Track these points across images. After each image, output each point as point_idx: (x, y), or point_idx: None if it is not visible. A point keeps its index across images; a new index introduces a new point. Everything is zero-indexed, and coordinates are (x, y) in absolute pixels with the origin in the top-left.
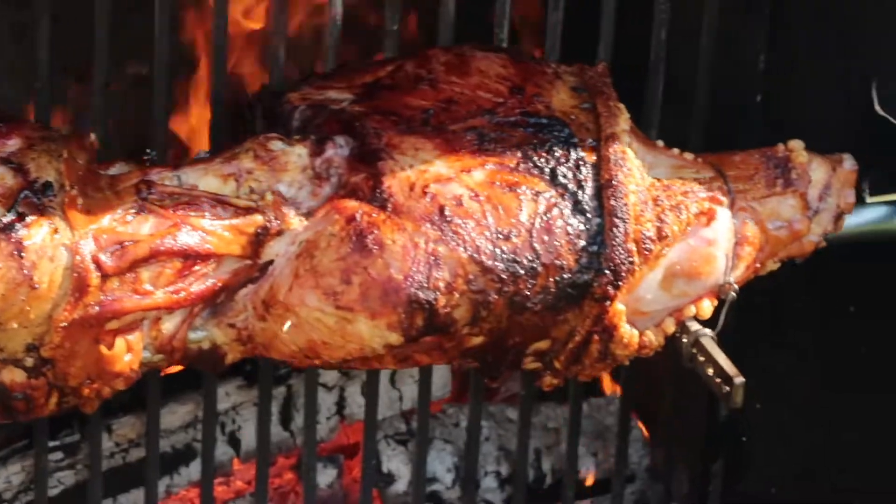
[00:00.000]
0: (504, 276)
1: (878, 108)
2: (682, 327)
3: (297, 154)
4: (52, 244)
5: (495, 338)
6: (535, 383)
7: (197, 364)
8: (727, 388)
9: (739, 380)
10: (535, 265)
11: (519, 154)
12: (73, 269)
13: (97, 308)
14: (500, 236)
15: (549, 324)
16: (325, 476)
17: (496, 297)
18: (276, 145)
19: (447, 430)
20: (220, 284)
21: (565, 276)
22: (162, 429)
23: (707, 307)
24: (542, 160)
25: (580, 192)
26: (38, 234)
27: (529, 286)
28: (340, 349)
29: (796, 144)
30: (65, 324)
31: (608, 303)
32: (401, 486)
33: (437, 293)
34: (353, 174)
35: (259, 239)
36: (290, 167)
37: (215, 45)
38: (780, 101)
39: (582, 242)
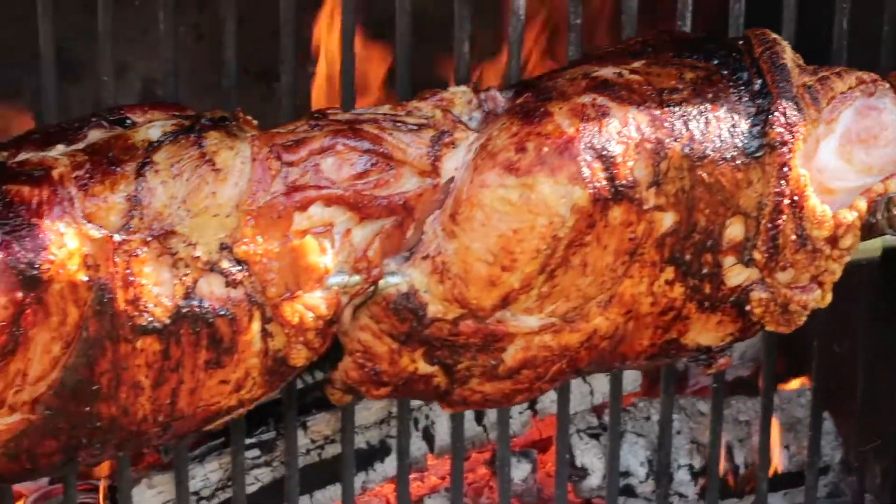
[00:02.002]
0: (675, 123)
1: None
2: (874, 206)
3: (462, 91)
4: (231, 139)
5: (685, 213)
6: (746, 307)
7: (398, 315)
8: None
9: None
10: (704, 113)
11: (671, 53)
12: (252, 157)
13: (282, 197)
14: (665, 90)
15: (733, 185)
16: (520, 470)
17: (672, 143)
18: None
19: (639, 423)
20: (404, 199)
21: (736, 124)
22: (357, 425)
23: None
24: (696, 52)
25: (736, 63)
26: (216, 134)
27: (702, 133)
28: (531, 233)
29: None
30: (253, 209)
31: (786, 151)
32: (595, 479)
33: (612, 140)
34: (518, 99)
35: (436, 152)
36: (457, 101)
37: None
38: None
39: (747, 96)
